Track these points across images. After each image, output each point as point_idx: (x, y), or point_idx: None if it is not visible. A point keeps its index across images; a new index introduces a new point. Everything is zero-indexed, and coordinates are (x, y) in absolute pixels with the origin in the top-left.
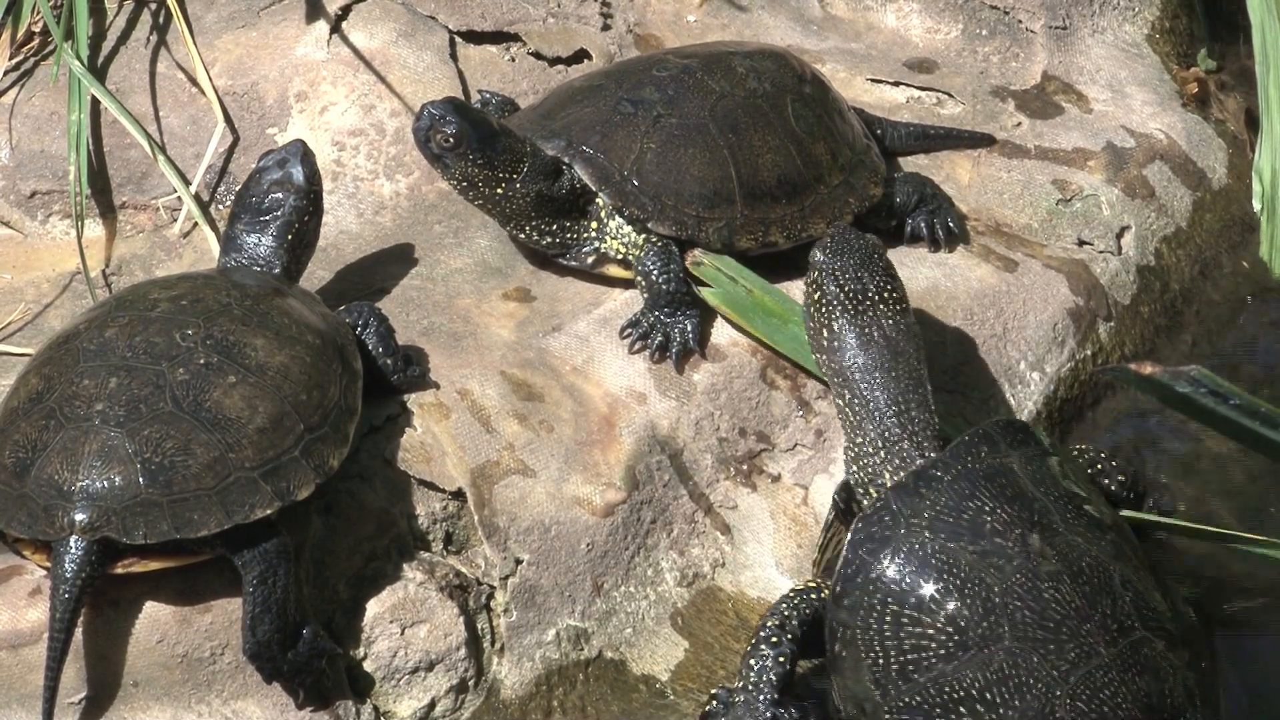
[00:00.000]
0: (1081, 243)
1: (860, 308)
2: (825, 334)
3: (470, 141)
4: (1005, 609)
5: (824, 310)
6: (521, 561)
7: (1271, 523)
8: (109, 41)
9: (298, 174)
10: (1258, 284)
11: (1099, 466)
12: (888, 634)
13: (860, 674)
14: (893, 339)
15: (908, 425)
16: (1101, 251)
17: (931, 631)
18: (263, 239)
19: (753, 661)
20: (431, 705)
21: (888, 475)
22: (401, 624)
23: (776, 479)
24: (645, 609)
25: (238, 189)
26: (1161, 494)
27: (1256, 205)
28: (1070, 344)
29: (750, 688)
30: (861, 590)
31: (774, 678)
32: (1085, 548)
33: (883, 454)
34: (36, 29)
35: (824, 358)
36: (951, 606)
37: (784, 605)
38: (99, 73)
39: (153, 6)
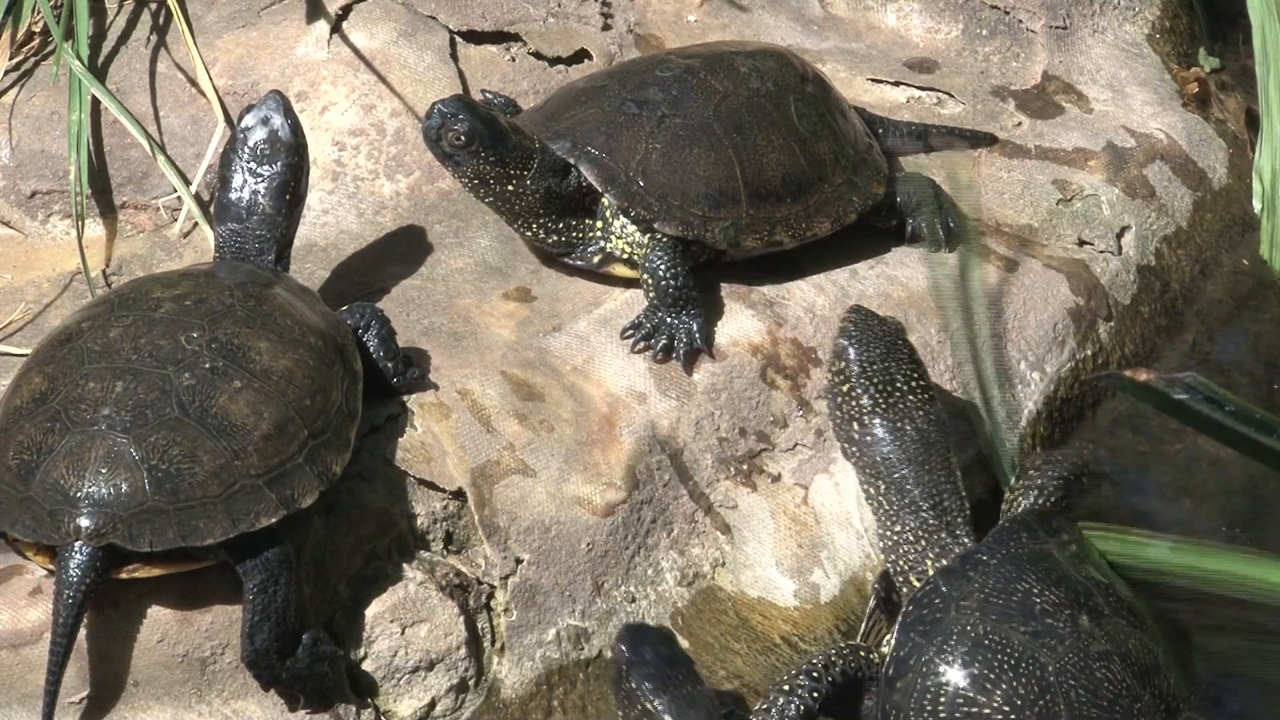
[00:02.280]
0: (1082, 242)
1: (890, 400)
2: (855, 427)
3: (482, 139)
4: (1060, 688)
5: (852, 404)
6: (522, 561)
7: (1270, 524)
8: (109, 41)
9: (284, 130)
10: (1258, 282)
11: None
12: (942, 715)
13: None
14: (924, 431)
15: (943, 515)
16: (1102, 251)
17: (987, 712)
18: (260, 203)
19: (786, 687)
20: (432, 705)
21: (929, 564)
22: (402, 623)
23: (777, 479)
24: (645, 609)
25: (222, 152)
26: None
27: (1257, 205)
28: (1070, 344)
29: (775, 710)
30: (915, 673)
31: (801, 708)
32: (1129, 630)
33: (922, 544)
34: (37, 29)
35: (853, 449)
36: (1006, 686)
37: (833, 651)
38: (99, 72)
39: (153, 6)
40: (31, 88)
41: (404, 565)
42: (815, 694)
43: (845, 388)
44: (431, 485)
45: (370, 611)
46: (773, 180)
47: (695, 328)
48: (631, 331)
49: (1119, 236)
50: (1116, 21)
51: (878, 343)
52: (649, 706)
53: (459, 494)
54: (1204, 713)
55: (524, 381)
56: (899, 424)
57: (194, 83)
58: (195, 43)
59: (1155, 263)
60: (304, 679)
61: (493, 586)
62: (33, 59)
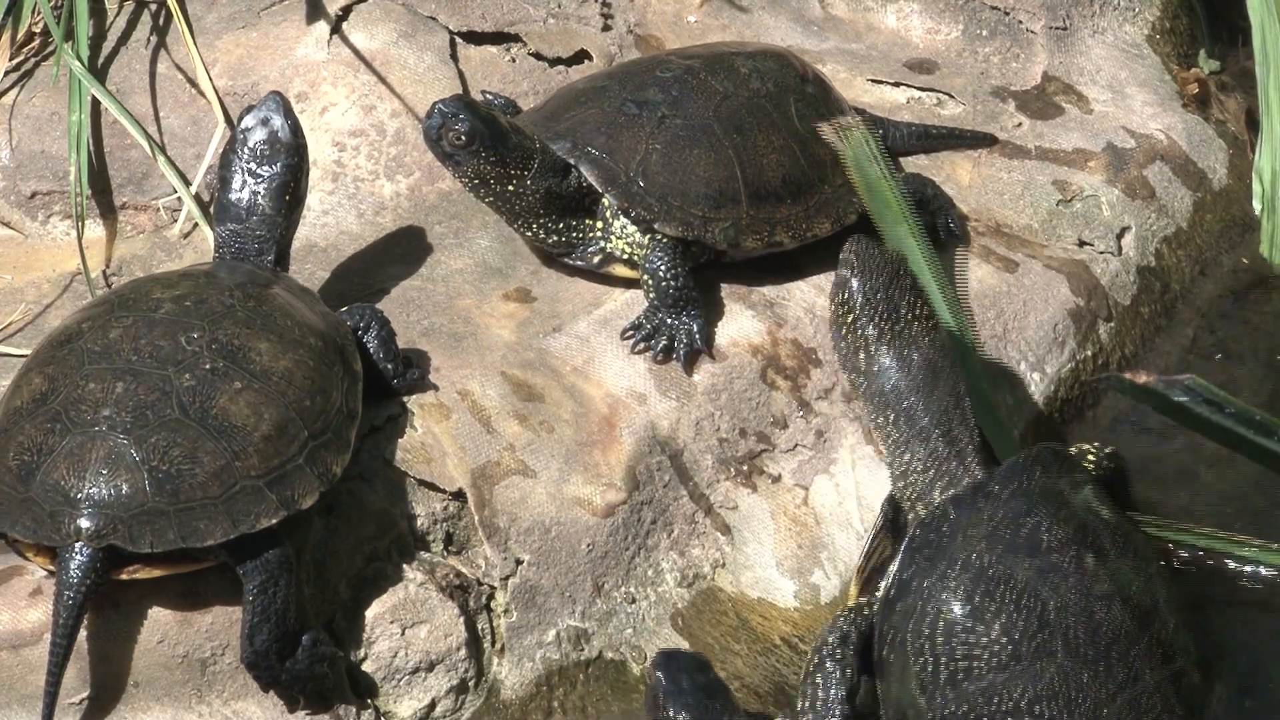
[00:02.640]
0: (1082, 243)
1: (896, 329)
2: (862, 357)
3: (483, 139)
4: (1059, 625)
5: (857, 334)
6: (522, 562)
7: (1270, 523)
8: (109, 42)
9: (284, 131)
10: (1258, 279)
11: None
12: (939, 641)
13: (907, 680)
14: (930, 358)
15: (954, 443)
16: (1102, 252)
17: (985, 641)
18: (259, 203)
19: (818, 679)
20: (432, 706)
21: (937, 493)
22: (402, 624)
23: (777, 479)
24: (645, 609)
25: (222, 152)
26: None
27: (1257, 206)
28: (1070, 344)
29: (820, 707)
30: (916, 595)
31: (843, 693)
32: (1133, 574)
33: (931, 473)
34: (37, 29)
35: (860, 379)
36: (1006, 618)
37: (842, 621)
38: (99, 73)
39: (153, 7)
40: (32, 88)
41: (404, 566)
42: (848, 671)
43: (849, 318)
44: (432, 486)
45: (370, 612)
46: (773, 181)
47: (695, 328)
48: (632, 332)
49: (1119, 237)
50: (1116, 22)
51: (880, 272)
52: None
53: (459, 495)
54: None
55: (524, 382)
56: (905, 352)
57: (194, 83)
58: (195, 43)
59: (1155, 263)
60: (303, 680)
61: (493, 587)
62: (33, 60)
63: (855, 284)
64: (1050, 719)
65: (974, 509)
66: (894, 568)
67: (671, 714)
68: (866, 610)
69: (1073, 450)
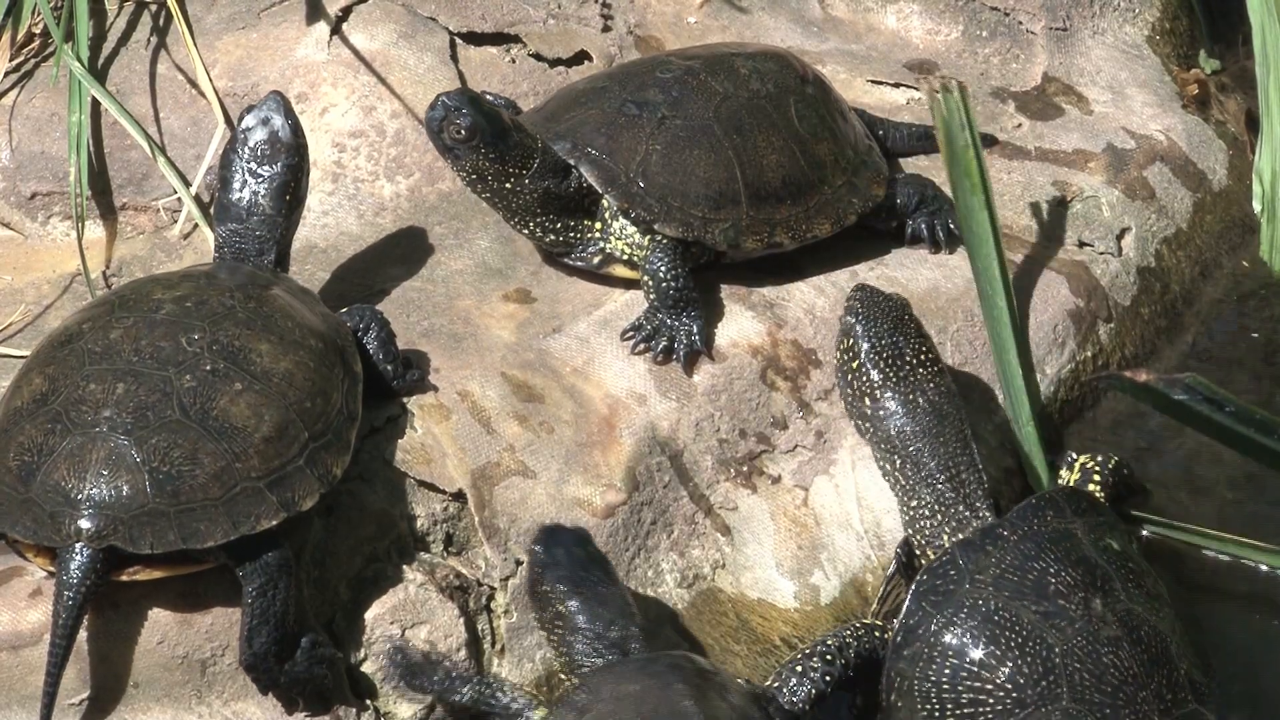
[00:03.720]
0: (1082, 244)
1: (901, 374)
2: (868, 402)
3: (483, 135)
4: (1064, 670)
5: (863, 379)
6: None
7: (1269, 524)
8: (109, 43)
9: (284, 131)
10: (1259, 282)
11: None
12: (945, 687)
13: None
14: (936, 403)
15: (960, 488)
16: (1102, 253)
17: (990, 687)
18: (260, 204)
19: (799, 668)
20: (432, 707)
21: (945, 537)
22: (402, 625)
23: (777, 480)
24: (645, 610)
25: (222, 152)
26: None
27: (1257, 206)
28: (1070, 345)
29: (785, 692)
30: (923, 642)
31: (813, 692)
32: (1145, 617)
33: (939, 517)
34: (37, 30)
35: (866, 425)
36: (1011, 664)
37: (847, 632)
38: (99, 74)
39: (153, 8)
40: (32, 89)
41: (404, 567)
42: (827, 677)
43: (855, 364)
44: (431, 487)
45: (370, 613)
46: (773, 182)
47: (695, 329)
48: (632, 333)
49: (1119, 238)
50: (1116, 23)
51: (884, 318)
52: (561, 609)
53: (459, 495)
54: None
55: (524, 383)
56: (911, 397)
57: (194, 84)
58: (195, 44)
59: (1155, 264)
60: (302, 682)
61: (493, 588)
62: (33, 60)
63: (860, 329)
64: None
65: (982, 553)
66: (901, 614)
67: (548, 586)
68: (876, 633)
69: (1079, 461)
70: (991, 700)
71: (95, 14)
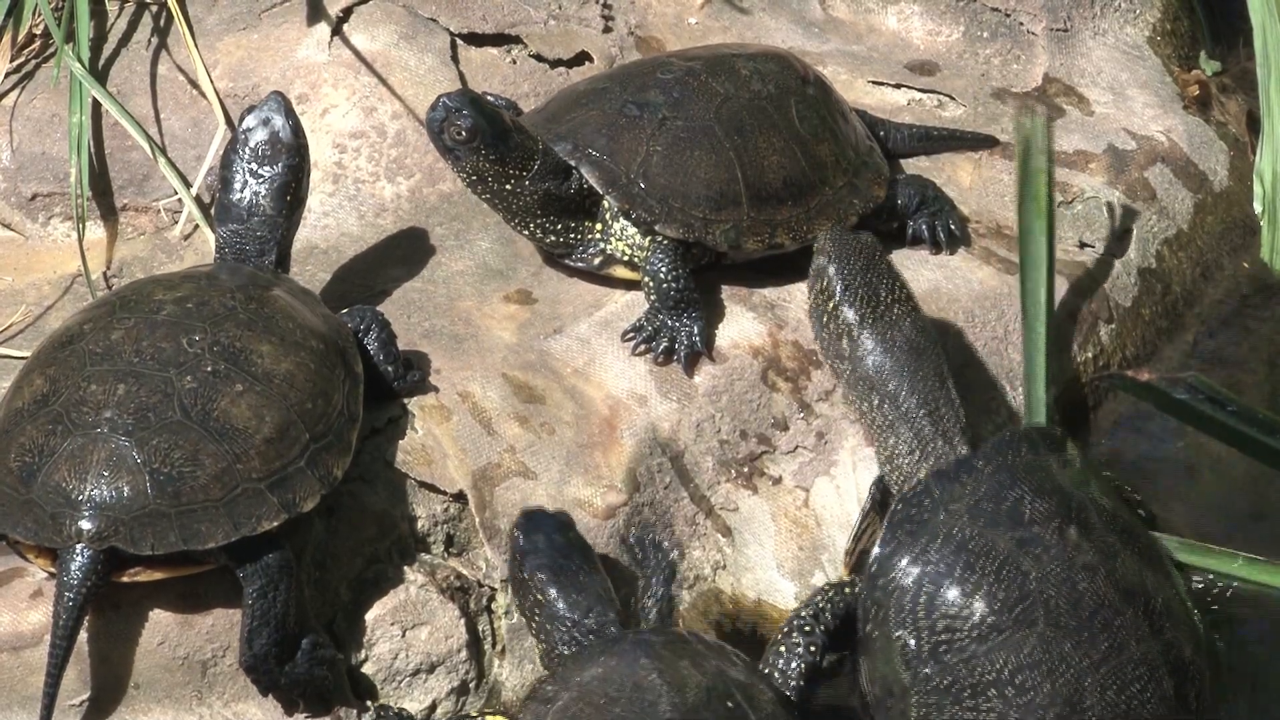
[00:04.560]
0: (1083, 245)
1: (877, 312)
2: (845, 342)
3: (484, 136)
4: (1040, 595)
5: (838, 319)
6: None
7: (1270, 526)
8: (110, 44)
9: (285, 132)
10: (1259, 283)
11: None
12: (921, 615)
13: (890, 654)
14: (913, 339)
15: (939, 423)
16: (1103, 254)
17: (965, 613)
18: (260, 204)
19: (783, 648)
20: (433, 707)
21: (923, 474)
22: (403, 626)
23: (778, 481)
24: (646, 610)
25: (223, 153)
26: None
27: (1258, 207)
28: (1071, 346)
29: (776, 676)
30: (897, 570)
31: (803, 666)
32: (1120, 547)
33: (917, 454)
34: (37, 31)
35: (844, 365)
36: (986, 590)
37: (819, 598)
38: (100, 75)
39: (154, 9)
40: (32, 90)
41: (405, 568)
42: (812, 648)
43: (829, 305)
44: (432, 488)
45: (371, 614)
46: (774, 183)
47: (696, 330)
48: (632, 334)
49: (1120, 239)
50: (1117, 24)
51: (856, 257)
52: (540, 597)
53: (460, 496)
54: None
55: (525, 384)
56: (887, 334)
57: (195, 85)
58: (196, 45)
59: (1156, 265)
60: (302, 684)
61: (494, 589)
62: (33, 61)
63: (833, 270)
64: (1032, 688)
65: (956, 483)
66: (876, 545)
67: (528, 574)
68: (847, 590)
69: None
70: (967, 626)
71: (96, 15)
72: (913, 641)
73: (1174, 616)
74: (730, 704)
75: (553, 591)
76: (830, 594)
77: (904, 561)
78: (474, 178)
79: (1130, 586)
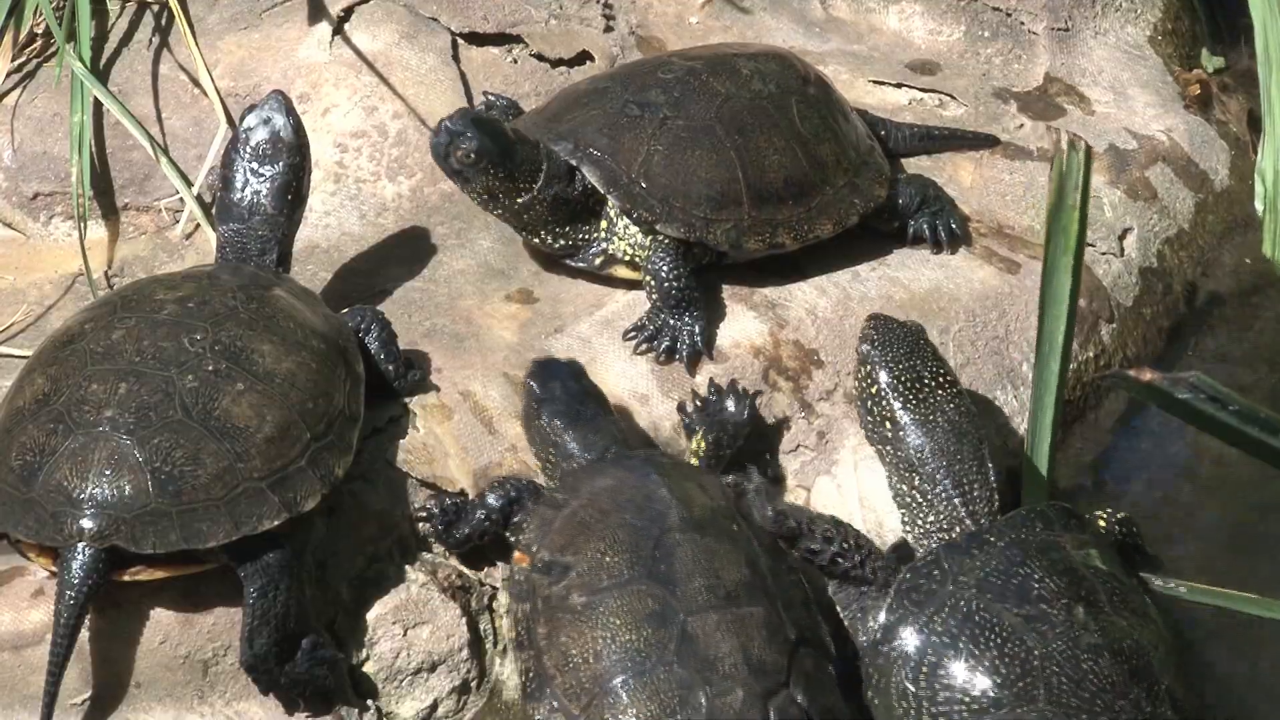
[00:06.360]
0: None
1: (920, 397)
2: (888, 425)
3: (491, 156)
4: (1043, 672)
5: (883, 404)
6: None
7: (1272, 525)
8: (111, 43)
9: (286, 131)
10: (1261, 281)
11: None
12: (923, 684)
13: None
14: (955, 422)
15: (970, 504)
16: (1104, 253)
17: (966, 686)
18: (262, 203)
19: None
20: (434, 706)
21: None
22: (404, 625)
23: (779, 481)
24: None
25: (224, 153)
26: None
27: (1259, 206)
28: (1073, 345)
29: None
30: (901, 639)
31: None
32: (1128, 630)
33: (947, 535)
34: (39, 30)
35: (887, 449)
36: (989, 664)
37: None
38: (101, 74)
39: (155, 8)
40: (34, 89)
41: (406, 567)
42: (828, 532)
43: (874, 390)
44: (434, 487)
45: (372, 613)
46: (775, 182)
47: (697, 330)
48: (634, 333)
49: (1121, 238)
50: (1118, 23)
51: (900, 343)
52: (557, 440)
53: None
54: None
55: None
56: (930, 418)
57: (196, 84)
58: (197, 44)
59: (1157, 264)
60: (303, 683)
61: (494, 588)
62: (35, 61)
63: (876, 355)
64: None
65: (967, 556)
66: (882, 612)
67: (545, 420)
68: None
69: (1085, 516)
70: (968, 699)
71: (97, 14)
72: (913, 712)
73: (1178, 702)
74: (735, 527)
75: (569, 435)
76: (858, 546)
77: (908, 630)
78: (485, 196)
79: (1135, 668)
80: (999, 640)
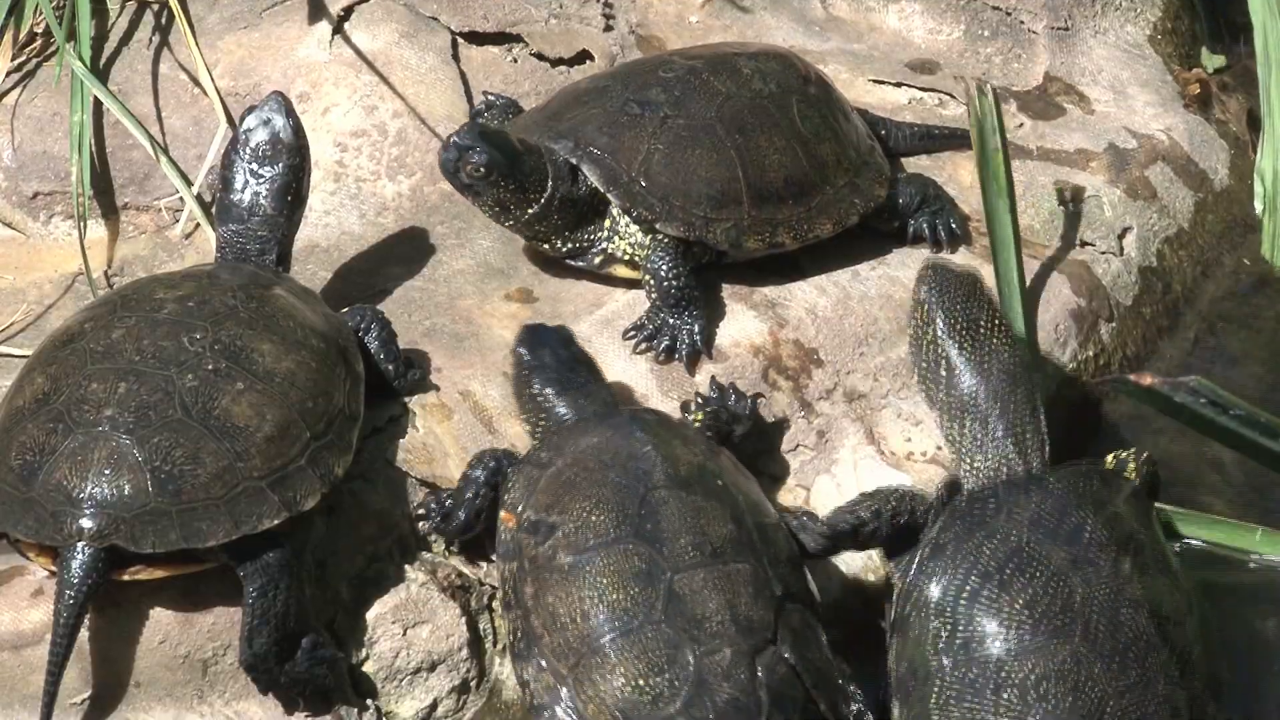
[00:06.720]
0: (1083, 243)
1: (976, 341)
2: (943, 369)
3: (500, 169)
4: (1082, 613)
5: (938, 347)
6: None
7: (1273, 525)
8: (111, 42)
9: (286, 131)
10: (1260, 280)
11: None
12: (962, 605)
13: (923, 638)
14: (1009, 367)
15: (1023, 449)
16: (1104, 252)
17: (1006, 612)
18: (261, 203)
19: (848, 513)
20: (434, 706)
21: None
22: (404, 625)
23: (778, 480)
24: None
25: (224, 153)
26: None
27: (1258, 206)
28: (1072, 345)
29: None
30: (949, 558)
31: (838, 528)
32: (1168, 593)
33: (1001, 475)
34: (39, 30)
35: (940, 393)
36: (1031, 594)
37: (892, 498)
38: (101, 74)
39: (155, 7)
40: (33, 89)
41: (406, 566)
42: (859, 523)
43: (930, 333)
44: (433, 486)
45: (372, 613)
46: (775, 181)
47: (697, 329)
48: (634, 333)
49: (1120, 238)
50: (1118, 23)
51: (958, 288)
52: (548, 407)
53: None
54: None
55: None
56: (986, 363)
57: (196, 84)
58: (197, 44)
59: (1157, 264)
60: (302, 683)
61: (494, 588)
62: (35, 60)
63: (934, 300)
64: (1053, 698)
65: (1024, 494)
66: (932, 530)
67: (537, 388)
68: (917, 501)
69: (1110, 458)
70: (1004, 625)
71: (97, 13)
72: (948, 630)
73: (1203, 670)
74: (720, 483)
75: (561, 402)
76: (900, 497)
77: (957, 550)
78: (497, 209)
79: (1169, 631)
80: (1044, 575)
